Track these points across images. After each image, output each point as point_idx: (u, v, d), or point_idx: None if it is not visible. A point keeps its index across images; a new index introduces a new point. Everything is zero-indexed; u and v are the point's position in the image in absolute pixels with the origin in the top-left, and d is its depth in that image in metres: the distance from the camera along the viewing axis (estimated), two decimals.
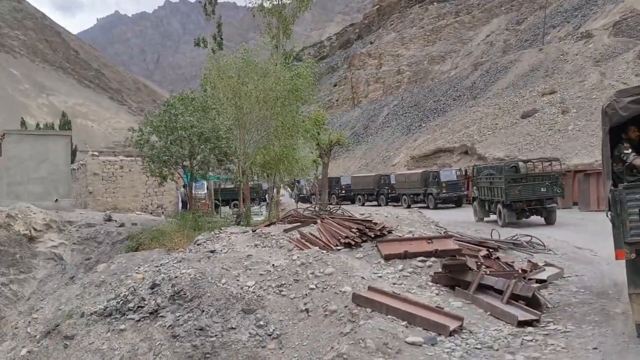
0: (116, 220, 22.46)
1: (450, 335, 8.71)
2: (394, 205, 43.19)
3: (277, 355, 9.66)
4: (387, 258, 12.11)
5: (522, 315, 9.55)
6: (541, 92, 58.02)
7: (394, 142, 77.22)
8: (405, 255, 12.08)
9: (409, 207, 42.33)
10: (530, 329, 9.21)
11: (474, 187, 29.03)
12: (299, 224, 15.29)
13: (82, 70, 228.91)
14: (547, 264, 14.74)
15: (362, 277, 10.80)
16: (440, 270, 11.43)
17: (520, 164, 26.24)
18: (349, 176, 57.83)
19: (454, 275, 11.11)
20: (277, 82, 20.66)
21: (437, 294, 10.72)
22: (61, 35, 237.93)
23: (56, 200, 24.55)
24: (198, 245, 15.81)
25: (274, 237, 14.45)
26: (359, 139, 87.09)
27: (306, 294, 10.66)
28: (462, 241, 16.45)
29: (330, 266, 11.21)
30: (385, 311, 9.21)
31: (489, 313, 9.90)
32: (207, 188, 37.78)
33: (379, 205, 46.12)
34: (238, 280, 11.36)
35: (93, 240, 20.52)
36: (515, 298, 10.16)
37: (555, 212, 24.78)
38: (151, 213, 29.75)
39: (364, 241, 13.12)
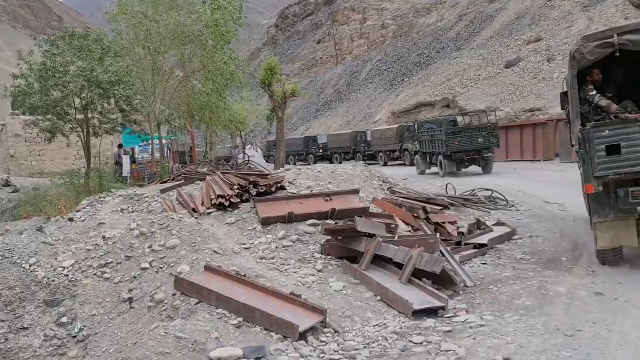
0: (15, 186, 19.35)
1: (301, 338, 5.77)
2: (370, 163, 40.22)
3: None
4: (266, 222, 8.98)
5: (422, 301, 6.61)
6: (527, 40, 54.68)
7: (376, 99, 73.67)
8: (291, 218, 8.95)
9: (385, 164, 40.03)
10: (430, 321, 6.27)
11: (416, 142, 29.86)
12: (182, 182, 12.25)
13: None
14: (499, 224, 12.13)
15: (214, 251, 7.76)
16: (330, 237, 8.40)
17: (459, 117, 27.18)
18: (326, 135, 54.80)
19: (346, 244, 8.11)
20: (190, 16, 17.25)
21: (319, 271, 7.75)
22: (43, 1, 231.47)
23: None
24: (77, 212, 12.94)
25: (148, 199, 11.42)
26: (342, 97, 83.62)
27: (135, 277, 7.69)
28: (407, 198, 14.10)
29: (175, 237, 8.17)
30: (216, 303, 6.26)
31: (379, 298, 6.95)
32: (172, 150, 33.78)
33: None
34: (56, 259, 8.35)
35: None
36: (421, 275, 7.20)
37: (492, 161, 25.39)
38: None
39: (244, 201, 9.99)
